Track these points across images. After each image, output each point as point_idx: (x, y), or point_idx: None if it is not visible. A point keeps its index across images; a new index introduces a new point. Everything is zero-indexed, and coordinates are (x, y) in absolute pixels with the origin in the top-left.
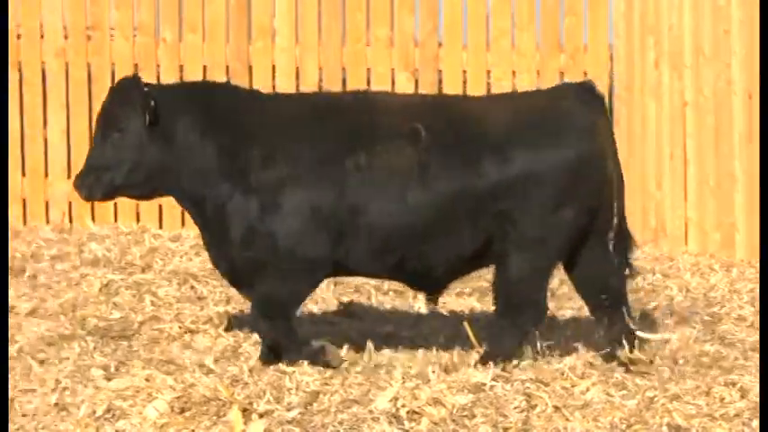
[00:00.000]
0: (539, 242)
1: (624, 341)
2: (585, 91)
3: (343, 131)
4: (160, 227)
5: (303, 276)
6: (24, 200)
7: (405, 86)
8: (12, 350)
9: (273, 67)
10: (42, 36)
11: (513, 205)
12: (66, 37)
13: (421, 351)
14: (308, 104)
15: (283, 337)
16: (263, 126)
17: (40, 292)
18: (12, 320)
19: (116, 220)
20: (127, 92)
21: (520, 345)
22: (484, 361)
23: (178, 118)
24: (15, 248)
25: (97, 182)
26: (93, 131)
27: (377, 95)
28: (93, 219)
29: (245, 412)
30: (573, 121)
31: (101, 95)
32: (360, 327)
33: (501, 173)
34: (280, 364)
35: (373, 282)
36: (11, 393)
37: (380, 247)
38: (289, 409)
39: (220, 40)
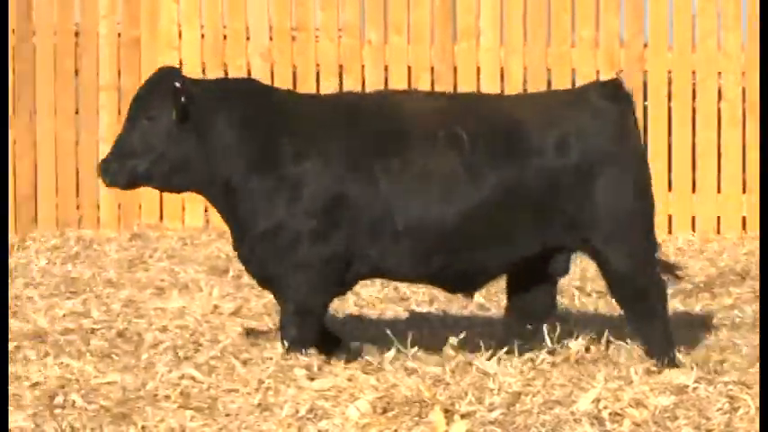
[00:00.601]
0: (626, 230)
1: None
2: (612, 87)
3: (378, 132)
4: None
5: (321, 270)
6: None
7: None
8: (215, 350)
9: (478, 69)
10: (248, 38)
11: (577, 206)
12: (271, 38)
13: (623, 352)
14: (342, 105)
15: (306, 330)
16: (294, 124)
17: (244, 293)
18: (215, 320)
19: None
20: (162, 82)
21: (669, 328)
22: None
23: (210, 114)
24: (219, 249)
25: (121, 169)
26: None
27: (410, 95)
28: None
29: (447, 413)
30: (603, 115)
31: None
32: (563, 329)
33: (547, 172)
34: (479, 365)
35: (576, 283)
36: (214, 393)
37: (422, 252)
38: (491, 410)
39: (425, 41)
